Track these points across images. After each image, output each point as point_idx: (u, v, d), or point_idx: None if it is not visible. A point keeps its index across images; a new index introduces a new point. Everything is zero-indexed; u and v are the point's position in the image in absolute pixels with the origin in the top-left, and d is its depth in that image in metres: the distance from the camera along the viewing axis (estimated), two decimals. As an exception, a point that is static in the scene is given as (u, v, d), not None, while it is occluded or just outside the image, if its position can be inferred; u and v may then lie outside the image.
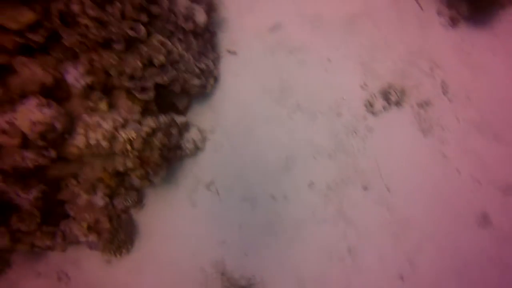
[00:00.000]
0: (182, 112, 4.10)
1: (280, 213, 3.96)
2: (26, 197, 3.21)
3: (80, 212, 3.67)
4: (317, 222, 3.93)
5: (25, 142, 2.78)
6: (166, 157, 3.61)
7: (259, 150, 4.14)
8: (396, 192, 4.06)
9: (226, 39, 4.39)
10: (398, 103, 4.24)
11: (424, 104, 4.29)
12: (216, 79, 4.17)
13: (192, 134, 3.97)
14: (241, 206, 4.00)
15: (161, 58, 3.17)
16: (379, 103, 4.19)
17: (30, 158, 2.93)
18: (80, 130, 2.95)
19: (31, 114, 2.65)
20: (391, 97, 4.18)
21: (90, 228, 3.59)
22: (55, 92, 2.98)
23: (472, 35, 4.64)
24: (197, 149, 4.00)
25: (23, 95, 2.83)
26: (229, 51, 4.36)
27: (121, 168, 3.20)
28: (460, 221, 4.06)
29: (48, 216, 3.63)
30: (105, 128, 2.99)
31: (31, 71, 2.80)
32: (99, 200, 3.59)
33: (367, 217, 3.97)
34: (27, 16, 2.68)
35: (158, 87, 3.38)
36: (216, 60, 4.17)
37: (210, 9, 3.93)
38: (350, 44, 4.43)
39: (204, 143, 4.11)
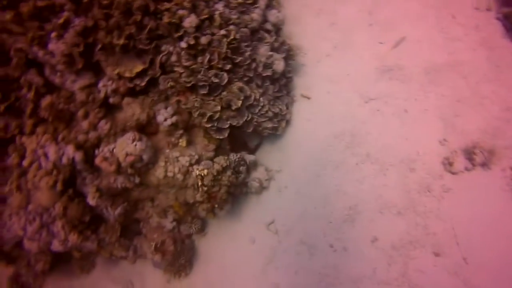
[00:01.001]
0: (253, 151, 4.34)
1: (338, 266, 3.82)
2: (112, 213, 3.73)
3: (151, 232, 4.09)
4: (377, 282, 3.67)
5: (119, 169, 3.28)
6: (232, 193, 3.84)
7: (323, 196, 4.11)
8: (476, 265, 3.58)
9: (301, 84, 4.57)
10: (484, 165, 3.82)
11: (520, 169, 3.79)
12: (288, 122, 4.34)
13: (259, 173, 4.16)
14: (299, 250, 3.97)
15: (238, 103, 3.47)
16: (460, 162, 3.83)
17: (120, 182, 3.43)
18: (161, 162, 3.36)
19: (127, 146, 3.14)
20: (476, 157, 3.79)
21: (156, 248, 3.96)
22: (146, 127, 3.48)
23: None
24: (262, 188, 4.16)
25: (124, 129, 3.38)
26: (303, 96, 4.52)
27: (190, 200, 3.52)
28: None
29: (125, 231, 4.14)
30: (182, 163, 3.35)
31: (132, 110, 3.34)
32: (168, 224, 3.96)
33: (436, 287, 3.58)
34: (138, 67, 3.24)
35: (232, 127, 3.68)
36: (289, 104, 4.36)
37: (289, 57, 4.18)
38: (430, 96, 4.20)
39: (269, 182, 4.25)
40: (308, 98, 4.51)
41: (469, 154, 3.84)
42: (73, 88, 3.26)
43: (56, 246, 3.48)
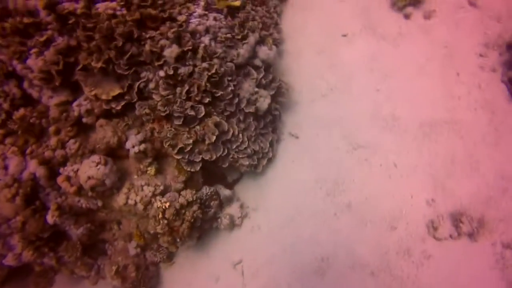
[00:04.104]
0: (230, 185, 4.19)
1: (299, 322, 3.56)
2: (75, 232, 3.64)
3: (116, 254, 3.97)
4: None
5: (80, 190, 3.21)
6: (199, 226, 3.68)
7: (295, 243, 3.89)
8: None
9: (291, 123, 4.43)
10: (471, 235, 3.53)
11: None
12: (270, 161, 4.18)
13: (233, 210, 4.00)
14: (262, 297, 3.74)
15: (212, 138, 3.36)
16: (446, 228, 3.56)
17: (83, 203, 3.36)
18: (125, 189, 3.26)
19: (90, 169, 3.07)
20: (463, 225, 3.51)
21: (117, 273, 3.82)
22: (117, 151, 3.42)
23: None
24: (233, 225, 3.98)
25: (93, 151, 3.33)
26: (291, 134, 4.38)
27: (151, 231, 3.38)
28: None
29: (91, 250, 4.03)
30: (145, 192, 3.25)
31: (104, 132, 3.29)
32: (132, 249, 3.83)
33: None
34: (115, 91, 3.21)
35: (207, 160, 3.56)
36: (274, 142, 4.21)
37: (278, 94, 4.07)
38: (423, 152, 3.97)
39: (243, 220, 4.07)
40: (296, 137, 4.36)
41: (456, 220, 3.57)
42: (49, 104, 3.26)
43: (10, 260, 3.40)
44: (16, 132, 3.22)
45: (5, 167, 3.10)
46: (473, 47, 4.18)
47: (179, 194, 3.40)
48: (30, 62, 2.99)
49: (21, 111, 3.19)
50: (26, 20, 2.95)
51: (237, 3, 3.46)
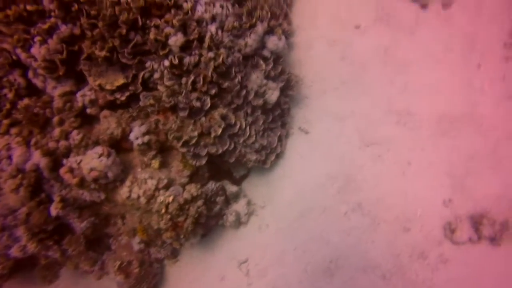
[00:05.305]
0: (238, 181, 4.07)
1: (307, 324, 3.41)
2: (79, 226, 3.58)
3: (120, 249, 3.90)
4: None
5: (83, 182, 3.14)
6: (204, 223, 3.57)
7: (304, 242, 3.74)
8: None
9: (301, 117, 4.26)
10: (493, 239, 3.30)
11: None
12: (279, 156, 4.04)
13: (239, 206, 3.87)
14: (268, 298, 3.61)
15: (218, 130, 3.24)
16: (465, 230, 3.34)
17: (86, 195, 3.29)
18: (128, 182, 3.18)
19: (92, 161, 2.99)
20: (484, 228, 3.28)
21: (120, 268, 3.75)
22: (121, 143, 3.33)
23: None
24: (239, 222, 3.86)
25: (97, 142, 3.26)
26: (301, 129, 4.22)
27: (155, 226, 3.29)
28: None
29: (96, 244, 3.98)
30: (148, 186, 3.15)
31: (108, 123, 3.21)
32: (135, 244, 3.75)
33: None
34: (120, 80, 3.13)
35: (212, 155, 3.44)
36: (283, 137, 4.06)
37: (287, 87, 3.92)
38: (440, 149, 3.75)
39: (250, 217, 3.94)
40: (306, 132, 4.20)
41: (476, 223, 3.34)
42: (53, 94, 3.20)
43: (15, 251, 3.37)
44: (21, 122, 3.17)
45: (10, 157, 3.06)
46: (497, 36, 3.91)
47: (184, 189, 3.29)
48: (33, 50, 2.94)
49: (25, 101, 3.14)
50: (29, 7, 2.89)
51: (245, -10, 3.33)
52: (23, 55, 2.98)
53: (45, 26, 2.88)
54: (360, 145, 3.98)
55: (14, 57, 3.07)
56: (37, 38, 2.93)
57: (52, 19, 2.93)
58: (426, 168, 3.70)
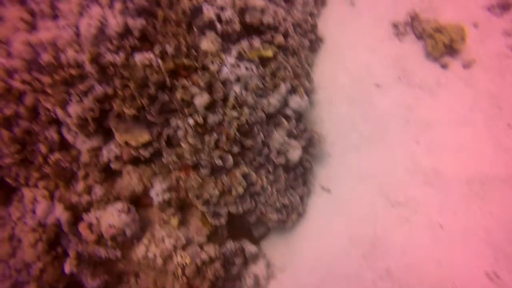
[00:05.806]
0: (257, 240, 3.90)
1: None
2: (91, 283, 3.45)
3: (131, 310, 3.68)
4: None
5: (100, 239, 3.08)
6: (221, 287, 3.37)
7: (327, 312, 3.43)
8: None
9: (323, 176, 4.18)
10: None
11: None
12: (300, 215, 3.90)
13: (258, 268, 3.66)
14: None
15: (240, 189, 3.19)
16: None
17: (102, 252, 3.22)
18: (145, 240, 3.10)
19: (111, 217, 2.97)
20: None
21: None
22: (142, 199, 3.32)
23: None
24: (258, 287, 3.62)
25: (118, 198, 3.26)
26: (323, 188, 4.11)
27: (169, 288, 3.13)
28: None
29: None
30: (166, 245, 3.05)
31: (129, 179, 3.24)
32: (148, 308, 3.54)
33: None
34: (145, 137, 3.22)
35: (233, 214, 3.35)
36: (305, 196, 3.95)
37: (309, 145, 3.90)
38: (474, 212, 3.52)
39: (268, 282, 3.70)
40: (328, 191, 4.08)
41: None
42: (82, 149, 3.30)
43: (23, 310, 3.24)
44: (48, 175, 3.24)
45: (33, 211, 3.08)
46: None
47: (202, 249, 3.17)
48: (70, 109, 3.09)
49: (56, 155, 3.24)
50: (73, 72, 3.11)
51: (269, 54, 3.48)
52: (60, 113, 3.14)
53: (83, 88, 3.07)
54: (385, 206, 3.80)
55: (53, 115, 3.23)
56: (74, 98, 3.10)
57: (90, 81, 3.12)
58: (460, 233, 3.44)
